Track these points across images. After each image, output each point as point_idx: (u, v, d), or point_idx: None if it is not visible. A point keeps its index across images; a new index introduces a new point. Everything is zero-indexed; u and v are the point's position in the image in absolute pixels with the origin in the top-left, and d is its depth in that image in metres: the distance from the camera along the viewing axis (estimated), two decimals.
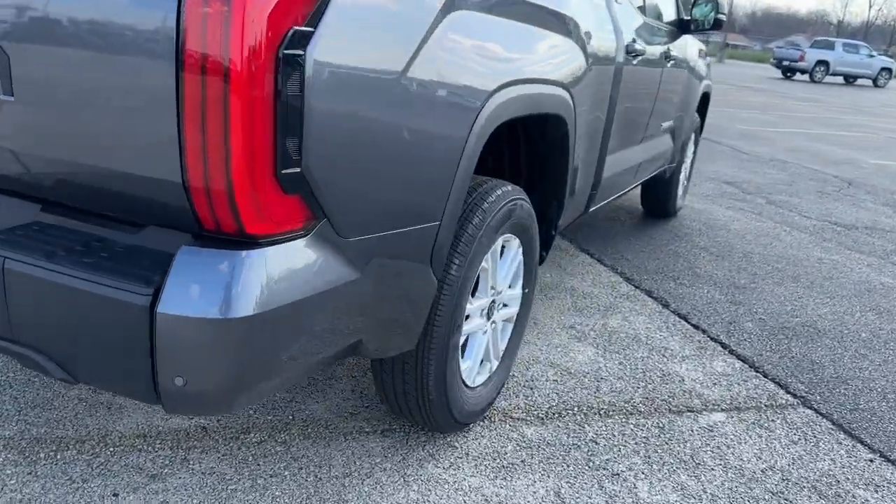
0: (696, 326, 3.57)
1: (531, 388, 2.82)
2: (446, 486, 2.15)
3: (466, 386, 2.36)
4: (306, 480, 2.11)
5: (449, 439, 2.40)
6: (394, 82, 1.51)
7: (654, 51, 3.67)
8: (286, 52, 1.25)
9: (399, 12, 1.52)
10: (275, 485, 2.07)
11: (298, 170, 1.35)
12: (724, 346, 3.37)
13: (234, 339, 1.33)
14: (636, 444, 2.48)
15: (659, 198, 5.39)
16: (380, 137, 1.52)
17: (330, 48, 1.34)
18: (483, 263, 2.24)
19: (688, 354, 3.24)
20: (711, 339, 3.44)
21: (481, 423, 2.53)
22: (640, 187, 5.53)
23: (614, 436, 2.52)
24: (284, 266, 1.40)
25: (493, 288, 2.39)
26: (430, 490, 2.13)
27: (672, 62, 4.07)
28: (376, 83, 1.47)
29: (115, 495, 1.95)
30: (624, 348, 3.24)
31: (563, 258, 4.41)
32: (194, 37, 1.20)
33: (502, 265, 2.45)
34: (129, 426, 2.26)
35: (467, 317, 2.29)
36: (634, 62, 3.27)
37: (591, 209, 3.31)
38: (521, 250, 2.52)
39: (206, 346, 1.31)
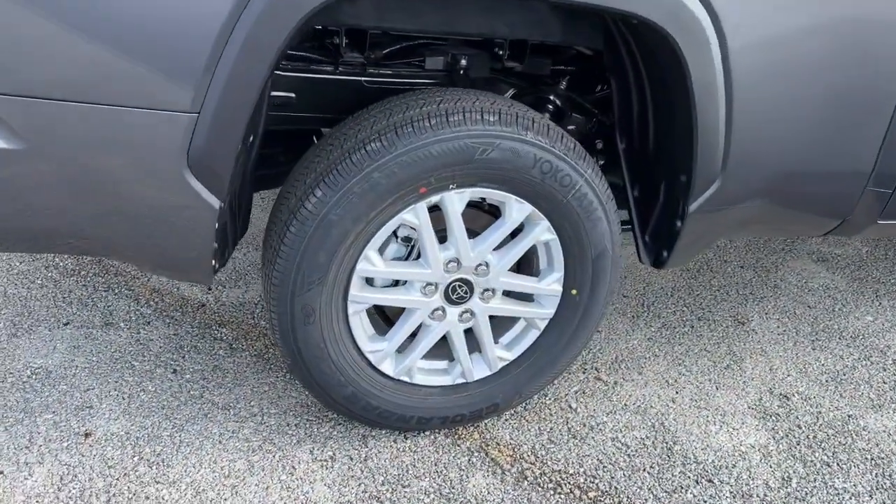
0: None
1: (568, 442, 1.92)
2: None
3: (376, 370, 1.74)
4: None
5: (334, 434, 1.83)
6: None
7: None
8: None
9: None
10: None
11: None
12: None
13: None
14: None
15: None
16: None
17: None
18: (405, 214, 1.56)
19: None
20: None
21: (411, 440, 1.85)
22: None
23: None
24: None
25: (454, 262, 1.66)
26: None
27: None
28: None
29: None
30: None
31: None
32: None
33: (488, 235, 1.67)
34: None
35: (372, 282, 1.67)
36: None
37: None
38: (546, 225, 1.68)
39: None
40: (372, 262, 1.61)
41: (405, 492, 1.70)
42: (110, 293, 2.33)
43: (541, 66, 2.01)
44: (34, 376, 1.93)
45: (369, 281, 1.69)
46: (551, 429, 1.95)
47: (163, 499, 1.62)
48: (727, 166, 1.71)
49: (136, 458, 1.71)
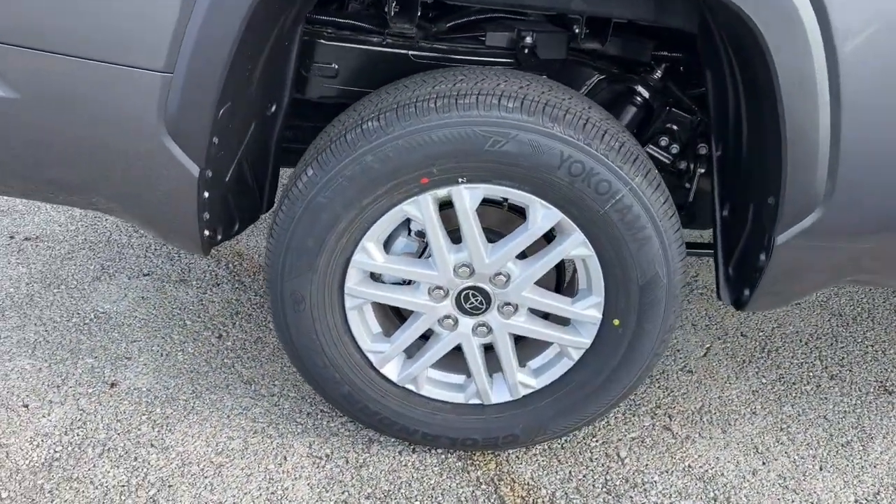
0: None
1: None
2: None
3: (378, 373, 1.57)
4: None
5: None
6: None
7: None
8: None
9: None
10: None
11: None
12: None
13: None
14: None
15: None
16: None
17: None
18: (406, 206, 1.38)
19: None
20: None
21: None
22: None
23: None
24: None
25: (466, 266, 1.45)
26: None
27: None
28: None
29: None
30: None
31: None
32: None
33: (508, 241, 1.44)
34: None
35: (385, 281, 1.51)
36: None
37: None
38: (579, 238, 1.40)
39: None
40: (369, 254, 1.45)
41: None
42: None
43: (637, 50, 1.70)
44: (96, 320, 2.03)
45: (376, 276, 1.54)
46: (584, 476, 1.67)
47: (149, 463, 1.61)
48: (833, 192, 1.31)
49: (144, 417, 1.72)
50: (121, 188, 1.40)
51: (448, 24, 1.69)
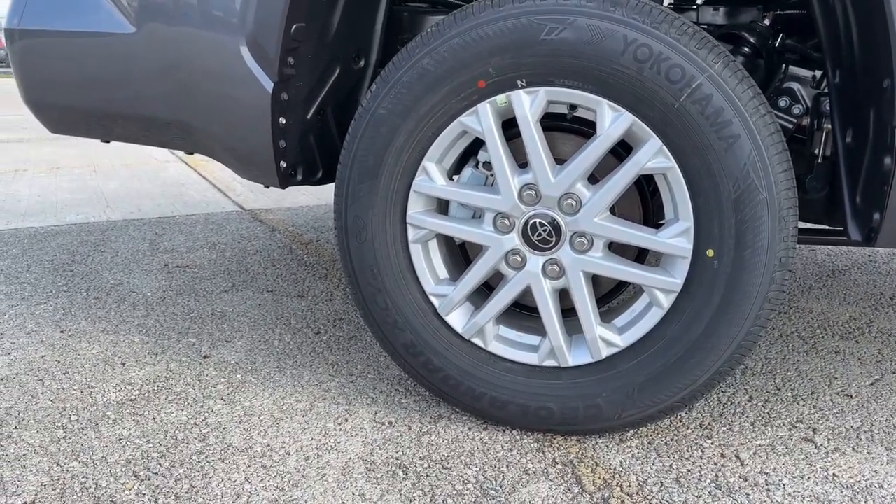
0: None
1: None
2: None
3: (442, 321, 1.43)
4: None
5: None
6: None
7: None
8: None
9: None
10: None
11: None
12: None
13: None
14: None
15: None
16: None
17: None
18: (465, 118, 1.33)
19: None
20: None
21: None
22: None
23: None
24: None
25: (531, 189, 1.33)
26: None
27: None
28: None
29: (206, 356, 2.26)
30: None
31: None
32: None
33: (576, 156, 1.31)
34: None
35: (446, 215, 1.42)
36: None
37: None
38: (656, 144, 1.25)
39: None
40: (430, 176, 1.39)
41: (440, 473, 1.34)
42: (317, 275, 2.46)
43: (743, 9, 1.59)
44: (211, 316, 2.11)
45: (441, 209, 1.46)
46: (688, 470, 1.35)
47: (213, 410, 1.56)
48: None
49: (223, 380, 1.70)
50: (207, 112, 1.50)
51: None
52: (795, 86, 1.56)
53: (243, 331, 2.00)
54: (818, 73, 1.55)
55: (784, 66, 1.58)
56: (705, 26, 1.61)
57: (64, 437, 1.45)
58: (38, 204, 3.69)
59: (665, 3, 1.76)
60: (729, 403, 1.61)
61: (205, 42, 1.43)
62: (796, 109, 1.56)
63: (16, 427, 1.49)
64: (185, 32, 1.45)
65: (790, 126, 1.57)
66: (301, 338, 1.96)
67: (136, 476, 1.33)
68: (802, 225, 1.76)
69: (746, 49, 1.56)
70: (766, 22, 1.57)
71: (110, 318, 2.08)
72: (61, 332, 1.98)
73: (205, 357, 1.83)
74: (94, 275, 2.48)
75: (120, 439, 1.44)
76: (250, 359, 1.82)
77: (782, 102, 1.57)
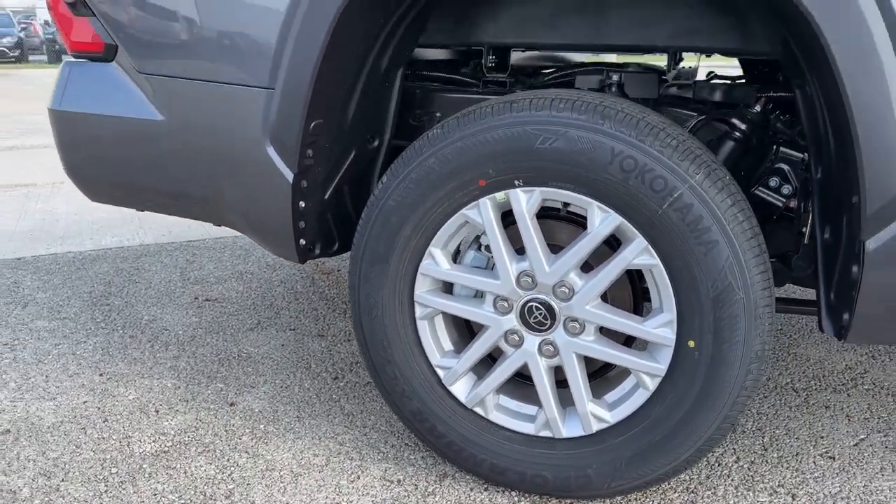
0: None
1: None
2: None
3: (446, 391, 1.56)
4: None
5: None
6: None
7: None
8: None
9: None
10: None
11: None
12: None
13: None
14: None
15: None
16: None
17: None
18: (468, 211, 1.45)
19: None
20: None
21: None
22: None
23: None
24: None
25: (528, 276, 1.45)
26: None
27: None
28: None
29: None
30: None
31: None
32: None
33: (569, 248, 1.42)
34: None
35: (451, 289, 1.54)
36: None
37: None
38: (641, 244, 1.36)
39: None
40: (436, 260, 1.51)
41: None
42: (338, 311, 2.60)
43: (740, 93, 1.68)
44: (237, 358, 2.26)
45: (447, 288, 1.58)
46: None
47: (238, 464, 1.71)
48: None
49: (247, 430, 1.85)
50: (233, 194, 1.63)
51: (547, 77, 1.81)
52: (786, 167, 1.65)
53: (267, 374, 2.15)
54: (807, 156, 1.64)
55: (776, 146, 1.67)
56: (702, 117, 1.70)
57: (105, 491, 1.60)
58: (74, 224, 3.88)
59: (669, 79, 1.85)
60: (717, 465, 1.71)
61: (231, 136, 1.56)
62: (785, 190, 1.65)
63: (62, 479, 1.65)
64: (213, 125, 1.58)
65: (779, 205, 1.66)
66: (320, 383, 2.10)
67: None
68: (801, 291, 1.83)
69: (738, 133, 1.65)
70: (758, 108, 1.66)
71: (145, 360, 2.24)
72: (100, 374, 2.14)
73: (231, 405, 1.98)
74: (130, 309, 2.64)
75: (155, 494, 1.60)
76: (272, 406, 1.97)
77: (772, 182, 1.66)
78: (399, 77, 1.72)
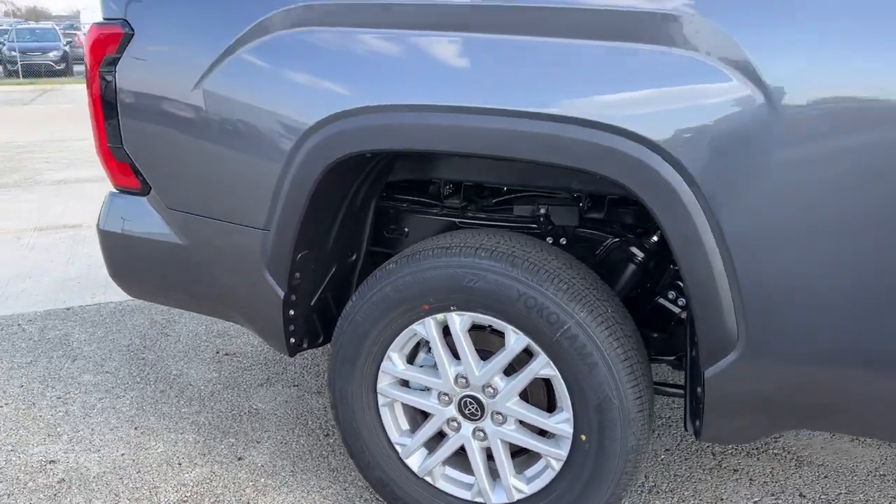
0: None
1: None
2: None
3: (402, 463, 1.98)
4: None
5: None
6: None
7: None
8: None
9: None
10: None
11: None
12: None
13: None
14: None
15: None
16: None
17: None
18: (416, 326, 1.87)
19: None
20: None
21: None
22: None
23: None
24: None
25: (463, 377, 1.86)
26: None
27: None
28: None
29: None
30: None
31: None
32: None
33: (492, 358, 1.83)
34: None
35: (407, 384, 1.96)
36: None
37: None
38: (544, 359, 1.76)
39: None
40: (393, 362, 1.93)
41: None
42: None
43: (630, 219, 2.06)
44: (248, 414, 2.71)
45: (404, 383, 2.00)
46: None
47: None
48: (749, 333, 1.54)
49: (251, 483, 2.29)
50: (238, 303, 2.07)
51: (494, 200, 2.22)
52: (682, 283, 2.03)
53: (271, 430, 2.59)
54: None
55: (673, 265, 2.05)
56: (616, 240, 2.09)
57: None
58: None
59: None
60: None
61: (238, 262, 2.00)
62: (680, 302, 2.04)
63: None
64: (223, 254, 2.02)
65: (676, 312, 2.05)
66: (313, 440, 2.53)
67: None
68: None
69: (638, 258, 2.04)
70: (655, 237, 2.04)
71: (172, 414, 2.69)
72: (135, 428, 2.61)
73: (239, 459, 2.42)
74: (161, 363, 3.11)
75: None
76: (272, 462, 2.40)
77: (670, 295, 2.05)
78: (372, 206, 2.15)
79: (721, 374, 1.59)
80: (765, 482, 2.29)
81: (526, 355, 1.88)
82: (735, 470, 2.35)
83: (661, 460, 2.41)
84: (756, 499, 2.20)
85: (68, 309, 3.77)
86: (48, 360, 3.16)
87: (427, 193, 2.28)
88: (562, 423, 1.80)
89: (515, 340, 1.78)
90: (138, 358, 3.18)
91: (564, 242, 2.11)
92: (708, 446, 2.49)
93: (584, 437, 1.77)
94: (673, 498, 2.21)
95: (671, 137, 1.48)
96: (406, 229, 2.25)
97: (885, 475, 2.31)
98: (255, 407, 2.76)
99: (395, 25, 1.70)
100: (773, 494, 2.22)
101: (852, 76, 1.37)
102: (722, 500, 2.20)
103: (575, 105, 1.53)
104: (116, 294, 3.96)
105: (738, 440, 1.73)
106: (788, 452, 2.44)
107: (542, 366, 1.77)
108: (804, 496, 2.21)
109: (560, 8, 1.56)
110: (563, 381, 1.76)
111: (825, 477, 2.31)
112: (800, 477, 2.30)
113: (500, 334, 1.93)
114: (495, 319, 1.78)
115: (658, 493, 2.24)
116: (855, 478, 2.30)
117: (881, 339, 1.46)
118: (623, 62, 1.51)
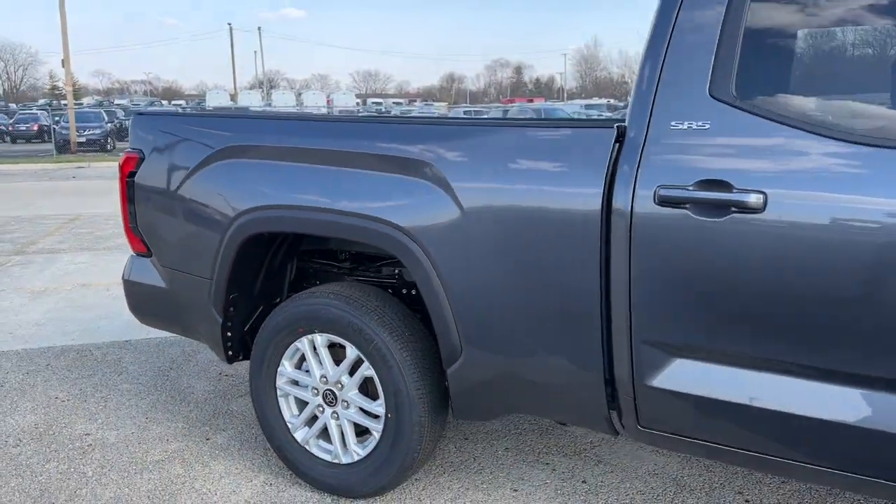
0: None
1: None
2: None
3: (291, 435, 3.00)
4: None
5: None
6: None
7: None
8: None
9: None
10: None
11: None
12: None
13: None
14: None
15: None
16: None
17: None
18: (297, 343, 2.92)
19: None
20: None
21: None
22: None
23: None
24: None
25: (324, 377, 2.89)
26: None
27: None
28: None
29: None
30: None
31: None
32: None
33: (341, 367, 2.85)
34: None
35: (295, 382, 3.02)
36: None
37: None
38: (367, 364, 2.77)
39: None
40: (285, 367, 2.99)
41: None
42: None
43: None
44: (225, 413, 3.79)
45: (295, 381, 3.04)
46: None
47: (194, 488, 3.21)
48: (467, 345, 2.51)
49: (209, 452, 3.35)
50: (198, 327, 3.20)
51: (373, 265, 3.28)
52: None
53: (235, 424, 3.66)
54: None
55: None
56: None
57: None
58: None
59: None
60: None
61: (196, 300, 3.14)
62: None
63: None
64: (188, 294, 3.17)
65: None
66: (259, 430, 3.58)
67: None
68: None
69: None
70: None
71: (173, 411, 3.82)
72: (146, 418, 3.75)
73: (207, 439, 3.50)
74: (179, 379, 4.28)
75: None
76: (229, 442, 3.47)
77: None
78: (290, 266, 3.25)
79: (456, 372, 2.56)
80: (563, 471, 3.14)
81: (360, 362, 2.90)
82: (547, 463, 3.22)
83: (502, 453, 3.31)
84: (548, 482, 3.07)
85: (127, 341, 5.04)
86: (102, 374, 4.40)
87: (335, 257, 3.37)
88: (379, 406, 2.79)
89: (351, 352, 2.81)
90: (164, 375, 4.36)
91: (405, 291, 3.12)
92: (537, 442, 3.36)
93: (390, 415, 2.75)
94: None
95: (413, 225, 2.52)
96: (317, 281, 3.34)
97: (657, 474, 3.11)
98: (231, 409, 3.85)
99: (278, 159, 2.84)
100: (562, 480, 3.08)
101: (505, 193, 2.38)
102: (523, 480, 3.08)
103: (367, 207, 2.61)
104: (164, 332, 5.21)
105: (482, 417, 2.67)
106: (594, 454, 3.28)
107: (366, 369, 2.78)
108: (586, 482, 3.05)
109: (361, 153, 2.65)
110: (377, 378, 2.76)
111: (611, 472, 3.14)
112: (590, 470, 3.14)
113: (345, 348, 2.97)
114: (340, 339, 2.82)
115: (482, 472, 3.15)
116: (635, 475, 3.12)
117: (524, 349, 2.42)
118: (391, 184, 2.58)
